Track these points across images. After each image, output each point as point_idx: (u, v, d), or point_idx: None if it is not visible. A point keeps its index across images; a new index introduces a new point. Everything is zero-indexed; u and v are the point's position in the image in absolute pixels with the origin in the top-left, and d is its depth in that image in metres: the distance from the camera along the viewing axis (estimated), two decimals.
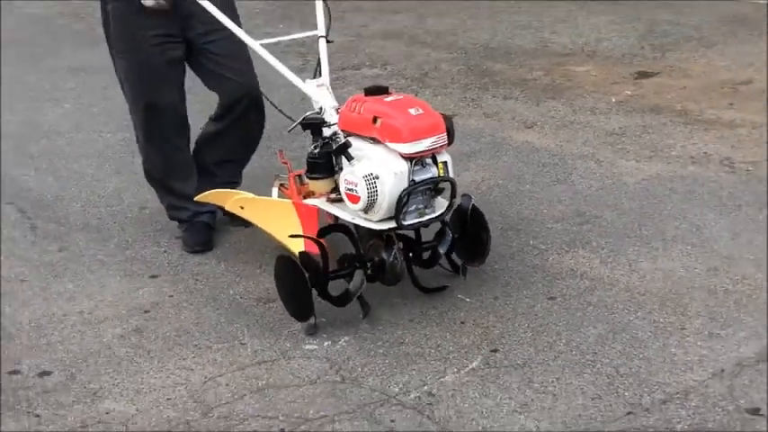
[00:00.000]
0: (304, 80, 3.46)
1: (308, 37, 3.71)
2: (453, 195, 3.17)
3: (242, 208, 3.59)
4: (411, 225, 3.06)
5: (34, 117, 6.00)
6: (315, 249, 3.14)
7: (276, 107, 3.76)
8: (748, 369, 2.77)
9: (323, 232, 3.22)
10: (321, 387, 2.84)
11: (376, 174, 2.97)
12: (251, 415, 2.70)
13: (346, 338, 3.08)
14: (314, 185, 3.32)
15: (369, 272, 3.14)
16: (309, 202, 3.36)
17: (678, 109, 5.13)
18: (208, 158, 4.01)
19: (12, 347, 3.23)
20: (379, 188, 2.96)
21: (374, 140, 3.07)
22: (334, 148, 3.20)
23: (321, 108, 3.35)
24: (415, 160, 3.02)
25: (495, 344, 3.00)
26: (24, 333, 3.30)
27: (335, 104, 3.35)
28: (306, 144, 3.54)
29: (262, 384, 2.87)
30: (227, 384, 2.89)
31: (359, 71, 5.65)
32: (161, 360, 3.07)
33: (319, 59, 3.55)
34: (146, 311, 3.41)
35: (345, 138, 3.18)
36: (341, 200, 3.18)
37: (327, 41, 3.61)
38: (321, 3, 3.67)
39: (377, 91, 3.15)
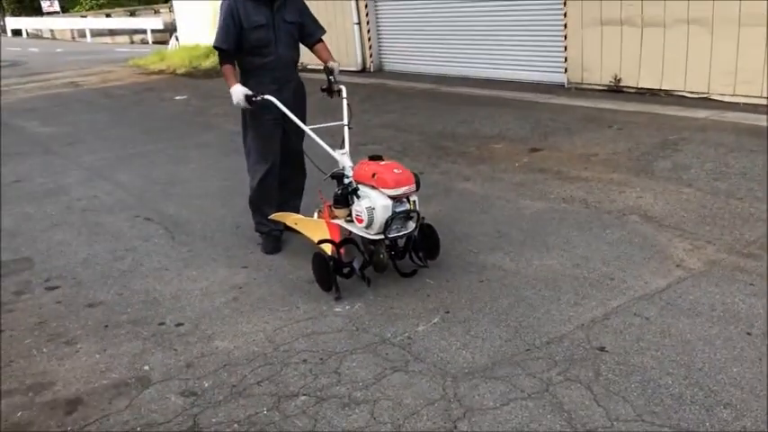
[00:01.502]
0: (334, 150, 3.95)
1: (337, 125, 4.09)
2: (418, 220, 3.68)
3: (296, 224, 4.13)
4: (393, 237, 3.61)
5: (174, 172, 6.66)
6: (334, 250, 3.69)
7: (317, 166, 4.17)
8: (598, 324, 3.20)
9: (342, 242, 3.76)
10: (344, 333, 3.30)
11: (373, 206, 3.54)
12: (302, 349, 3.18)
13: (359, 305, 3.57)
14: (338, 212, 3.84)
15: (366, 261, 3.72)
16: (335, 221, 3.86)
17: (555, 170, 5.64)
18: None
19: (160, 309, 3.75)
20: (374, 215, 3.55)
21: (373, 187, 3.60)
22: (349, 190, 3.74)
23: (343, 167, 3.87)
24: (396, 199, 3.56)
25: (447, 308, 3.47)
26: (167, 301, 3.83)
27: (351, 164, 3.84)
28: (331, 188, 3.97)
29: (309, 331, 3.34)
30: (288, 331, 3.36)
31: (365, 146, 6.20)
32: (249, 316, 3.57)
33: (344, 138, 4.03)
34: (240, 288, 3.92)
35: (356, 185, 3.72)
36: (353, 221, 3.75)
37: (349, 128, 4.10)
38: (346, 104, 4.13)
39: (375, 158, 3.72)
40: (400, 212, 3.57)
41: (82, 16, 35.58)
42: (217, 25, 4.16)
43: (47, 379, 3.15)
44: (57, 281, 4.27)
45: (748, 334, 3.05)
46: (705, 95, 7.58)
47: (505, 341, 3.15)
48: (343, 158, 3.91)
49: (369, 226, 3.58)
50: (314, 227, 3.99)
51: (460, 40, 10.84)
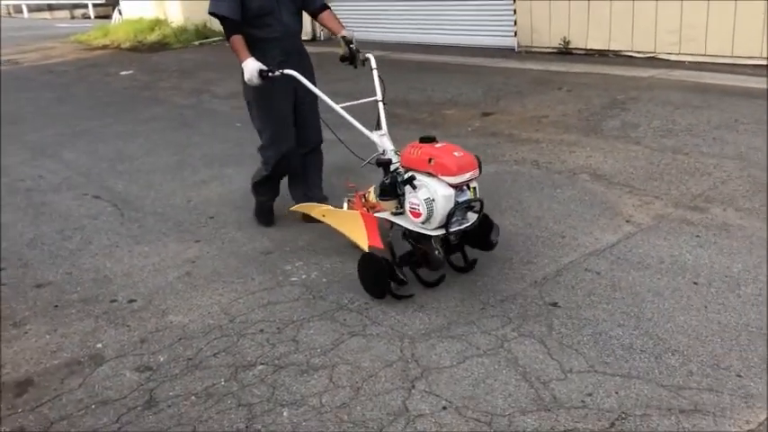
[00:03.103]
0: (371, 131, 3.46)
1: (370, 101, 3.66)
2: (482, 210, 3.16)
3: (323, 216, 3.66)
4: (454, 231, 3.08)
5: (122, 149, 6.49)
6: (380, 245, 3.19)
7: (351, 151, 3.73)
8: (551, 280, 3.27)
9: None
10: (301, 302, 3.29)
11: (432, 197, 3.01)
12: (259, 320, 3.16)
13: (316, 273, 3.56)
14: (384, 204, 3.32)
15: (418, 260, 3.26)
16: (379, 214, 3.35)
17: (507, 133, 5.71)
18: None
19: (111, 287, 3.67)
20: (435, 207, 3.01)
21: (429, 174, 3.06)
22: (399, 179, 3.20)
23: (384, 151, 3.39)
24: (458, 187, 3.04)
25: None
26: (119, 278, 3.76)
27: (393, 147, 3.39)
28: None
29: (265, 302, 3.33)
30: (244, 303, 3.34)
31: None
32: (203, 290, 3.53)
33: (379, 116, 3.54)
34: (193, 262, 3.88)
35: (406, 172, 3.19)
36: (401, 213, 3.24)
37: (384, 104, 3.62)
38: (377, 76, 3.68)
39: (427, 139, 3.15)
40: (463, 203, 3.07)
41: None
42: None
43: None
44: (2, 263, 4.13)
45: (695, 284, 3.14)
46: (652, 55, 7.70)
47: (461, 301, 3.19)
48: (382, 141, 3.43)
49: (427, 220, 3.07)
50: (346, 219, 3.55)
51: (410, 7, 10.76)
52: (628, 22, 7.79)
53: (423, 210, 3.03)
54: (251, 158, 5.81)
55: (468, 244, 3.37)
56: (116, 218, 4.72)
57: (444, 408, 2.47)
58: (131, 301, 3.51)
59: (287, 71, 3.60)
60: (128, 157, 6.21)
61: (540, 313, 3.01)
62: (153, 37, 15.33)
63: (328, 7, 4.05)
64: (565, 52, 8.50)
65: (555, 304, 3.08)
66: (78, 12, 28.12)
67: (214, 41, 13.73)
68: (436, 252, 3.15)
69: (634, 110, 5.92)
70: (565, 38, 8.47)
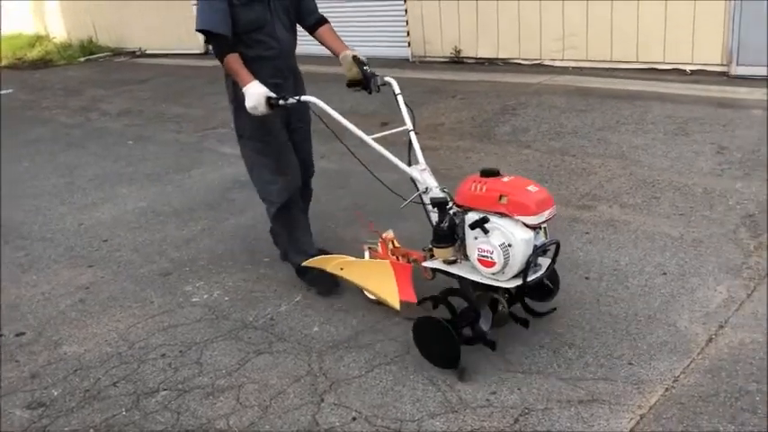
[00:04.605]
0: (410, 167, 3.04)
1: (400, 131, 3.29)
2: (556, 254, 2.71)
3: (342, 269, 3.14)
4: (531, 281, 2.59)
5: (3, 173, 6.06)
6: (414, 299, 2.86)
7: (389, 188, 3.29)
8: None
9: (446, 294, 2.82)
10: (203, 323, 3.23)
11: (509, 242, 2.52)
12: (160, 344, 3.09)
13: (219, 292, 3.50)
14: (438, 252, 2.78)
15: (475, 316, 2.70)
16: (428, 264, 2.84)
17: (405, 141, 5.59)
18: None
19: None
20: (512, 254, 2.52)
21: (501, 215, 2.57)
22: (457, 221, 2.73)
23: (427, 188, 2.93)
24: (536, 229, 2.57)
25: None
26: (5, 310, 3.56)
27: (437, 184, 2.94)
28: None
29: (165, 325, 3.25)
30: (143, 328, 3.24)
31: (215, 130, 6.01)
32: (99, 317, 3.40)
33: (411, 148, 3.13)
34: (86, 288, 3.72)
35: (465, 212, 2.70)
36: (455, 261, 2.76)
37: (416, 133, 3.19)
38: (403, 102, 3.25)
39: (490, 173, 2.67)
40: (542, 246, 2.61)
41: None
42: (198, 4, 3.18)
43: None
44: None
45: (586, 278, 3.30)
46: (538, 62, 8.04)
47: (367, 311, 3.19)
48: (424, 176, 2.96)
49: (502, 270, 2.57)
50: (372, 271, 3.09)
51: None
52: (514, 31, 8.11)
53: (498, 258, 2.52)
54: (145, 177, 5.68)
55: (528, 294, 2.90)
56: None
57: (354, 418, 2.48)
58: (19, 334, 3.32)
59: (305, 98, 3.10)
60: (11, 182, 5.85)
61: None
62: (34, 54, 14.53)
63: (327, 21, 3.53)
64: (457, 61, 8.74)
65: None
66: None
67: (101, 57, 13.19)
68: (502, 308, 2.73)
69: (523, 115, 6.16)
70: (456, 47, 8.71)
